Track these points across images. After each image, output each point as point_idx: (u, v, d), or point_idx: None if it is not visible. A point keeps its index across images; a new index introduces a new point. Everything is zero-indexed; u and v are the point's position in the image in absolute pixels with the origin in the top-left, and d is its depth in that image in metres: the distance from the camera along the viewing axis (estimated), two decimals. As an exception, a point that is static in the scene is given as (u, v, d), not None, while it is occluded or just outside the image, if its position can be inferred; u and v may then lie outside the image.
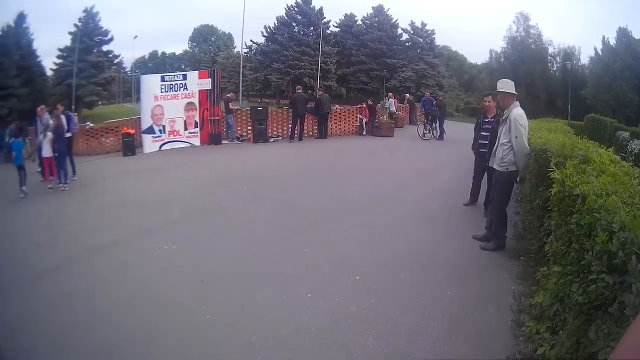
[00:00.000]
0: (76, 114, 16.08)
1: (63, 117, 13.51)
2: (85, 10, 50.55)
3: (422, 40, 61.99)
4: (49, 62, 72.56)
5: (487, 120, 8.44)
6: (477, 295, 5.39)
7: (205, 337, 4.70)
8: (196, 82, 19.81)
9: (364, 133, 22.95)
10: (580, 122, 30.20)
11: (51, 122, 13.24)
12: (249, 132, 20.81)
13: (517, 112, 6.51)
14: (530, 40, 58.16)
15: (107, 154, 19.05)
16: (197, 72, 21.51)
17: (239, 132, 21.08)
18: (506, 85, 6.68)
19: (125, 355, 4.45)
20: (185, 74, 20.55)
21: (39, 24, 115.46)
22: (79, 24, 49.76)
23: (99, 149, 19.66)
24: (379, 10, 62.86)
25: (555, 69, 58.98)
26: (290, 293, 5.58)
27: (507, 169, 6.64)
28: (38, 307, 5.51)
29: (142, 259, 7.02)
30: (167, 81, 19.45)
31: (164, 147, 18.96)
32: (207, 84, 19.90)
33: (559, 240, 3.77)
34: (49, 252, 7.48)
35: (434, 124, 21.68)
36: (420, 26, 62.11)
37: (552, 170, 4.08)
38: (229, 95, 22.40)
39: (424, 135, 21.38)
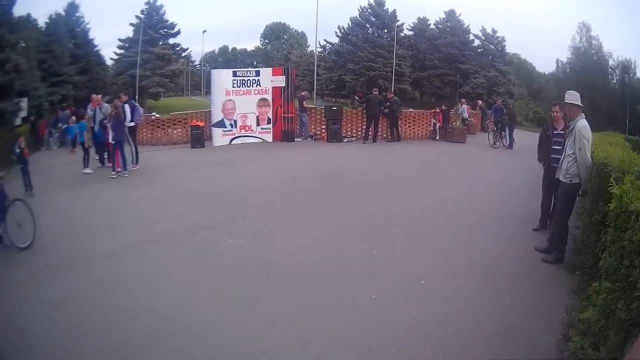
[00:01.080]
0: (137, 104, 16.14)
1: (127, 107, 13.97)
2: (148, 3, 51.31)
3: (493, 47, 60.54)
4: (108, 52, 74.86)
5: (556, 132, 7.92)
6: (532, 307, 5.31)
7: (264, 333, 4.75)
8: (270, 79, 19.95)
9: (437, 138, 22.66)
10: (635, 137, 29.07)
11: (110, 110, 13.72)
12: (323, 131, 20.85)
13: (582, 123, 6.35)
14: (592, 52, 55.65)
15: (174, 145, 19.36)
16: (270, 69, 21.92)
17: (313, 130, 21.17)
18: (573, 97, 6.50)
19: (180, 346, 4.55)
20: (259, 70, 20.90)
21: (95, 15, 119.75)
22: (142, 16, 50.33)
23: (165, 140, 19.97)
24: (451, 15, 61.76)
25: (614, 81, 56.32)
26: (356, 293, 5.60)
27: (571, 180, 6.48)
28: (89, 293, 5.72)
29: (207, 250, 7.15)
30: (239, 76, 19.65)
31: (234, 142, 19.22)
32: (280, 81, 19.99)
33: (612, 257, 3.69)
34: (106, 239, 7.75)
35: (503, 133, 21.10)
36: (491, 33, 60.69)
37: (612, 185, 3.98)
38: (303, 93, 22.59)
39: (494, 144, 20.98)
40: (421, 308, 5.23)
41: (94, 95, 15.18)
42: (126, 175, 13.17)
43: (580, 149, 6.24)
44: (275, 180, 12.49)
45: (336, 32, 62.20)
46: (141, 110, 15.83)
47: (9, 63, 20.25)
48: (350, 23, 60.38)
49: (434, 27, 63.12)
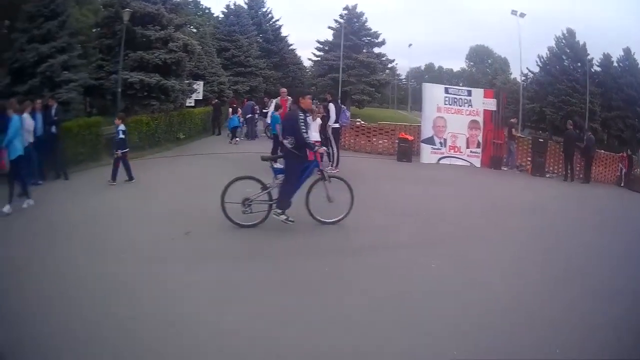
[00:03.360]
0: (344, 106, 15.79)
1: (331, 106, 13.58)
2: (347, 8, 49.65)
3: (659, 89, 52.13)
4: (303, 53, 75.52)
5: None
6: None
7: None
8: (481, 101, 18.62)
9: (622, 184, 20.22)
10: None
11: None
12: (528, 162, 19.00)
13: None
14: None
15: (378, 155, 18.75)
16: (482, 90, 20.24)
17: (519, 161, 19.34)
18: None
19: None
20: (470, 90, 19.62)
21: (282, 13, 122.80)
22: (342, 20, 49.05)
23: (369, 148, 19.44)
24: (627, 53, 54.63)
25: None
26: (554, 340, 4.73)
27: None
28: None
29: (410, 269, 6.53)
30: (450, 94, 18.67)
31: (442, 161, 18.13)
32: (492, 104, 18.60)
33: None
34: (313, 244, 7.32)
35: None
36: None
37: None
38: (512, 120, 21.10)
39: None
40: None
41: (282, 89, 15.34)
42: (335, 171, 12.71)
43: None
44: (479, 206, 11.30)
45: (536, 61, 57.82)
46: (348, 113, 15.27)
47: (173, 42, 19.99)
48: (548, 53, 55.72)
49: (616, 65, 56.87)
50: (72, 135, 14.54)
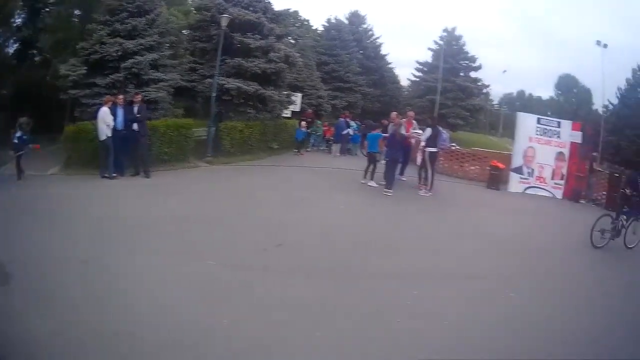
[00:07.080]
0: (443, 130, 15.57)
1: (427, 130, 14.01)
2: (446, 30, 47.30)
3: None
4: (402, 72, 74.42)
5: None
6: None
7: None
8: (569, 133, 17.78)
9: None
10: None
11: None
12: (603, 196, 17.40)
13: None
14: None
15: (469, 181, 18.45)
16: (570, 122, 18.99)
17: (595, 194, 17.89)
18: None
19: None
20: (560, 122, 18.58)
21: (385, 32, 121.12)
22: (441, 42, 46.59)
23: (461, 174, 19.16)
24: None
25: None
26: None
27: None
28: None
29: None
30: (542, 124, 18.05)
31: (528, 191, 17.55)
32: (577, 137, 17.70)
33: None
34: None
35: None
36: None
37: None
38: (594, 154, 20.24)
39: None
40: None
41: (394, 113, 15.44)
42: (428, 195, 13.79)
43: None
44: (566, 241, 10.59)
45: (616, 93, 54.48)
46: (445, 135, 15.05)
47: (274, 52, 19.49)
48: (626, 84, 53.21)
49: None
50: (158, 134, 14.85)
